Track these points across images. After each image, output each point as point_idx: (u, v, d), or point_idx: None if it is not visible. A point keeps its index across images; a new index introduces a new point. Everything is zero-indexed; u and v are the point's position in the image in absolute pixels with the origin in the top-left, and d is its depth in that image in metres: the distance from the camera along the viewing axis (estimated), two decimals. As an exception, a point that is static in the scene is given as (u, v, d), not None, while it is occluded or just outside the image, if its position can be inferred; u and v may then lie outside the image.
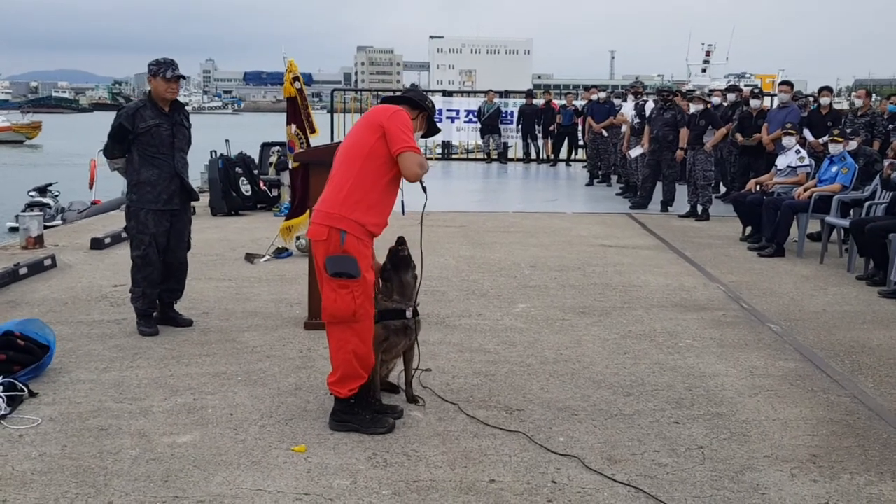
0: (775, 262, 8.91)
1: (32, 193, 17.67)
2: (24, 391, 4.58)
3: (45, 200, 17.41)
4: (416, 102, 4.28)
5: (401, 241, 4.46)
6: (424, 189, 4.14)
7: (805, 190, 9.39)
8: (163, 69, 5.79)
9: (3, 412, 4.32)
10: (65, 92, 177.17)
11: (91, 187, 17.83)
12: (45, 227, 14.26)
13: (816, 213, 9.23)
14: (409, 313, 4.41)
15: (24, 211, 16.90)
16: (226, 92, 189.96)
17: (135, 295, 5.98)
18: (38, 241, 9.30)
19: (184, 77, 6.12)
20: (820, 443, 4.25)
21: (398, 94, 4.40)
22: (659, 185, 12.88)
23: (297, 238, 8.55)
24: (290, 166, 8.54)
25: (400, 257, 4.41)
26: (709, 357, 5.60)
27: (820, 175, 9.52)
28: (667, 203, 12.68)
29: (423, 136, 4.44)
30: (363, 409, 4.21)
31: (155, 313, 6.08)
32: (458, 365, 5.32)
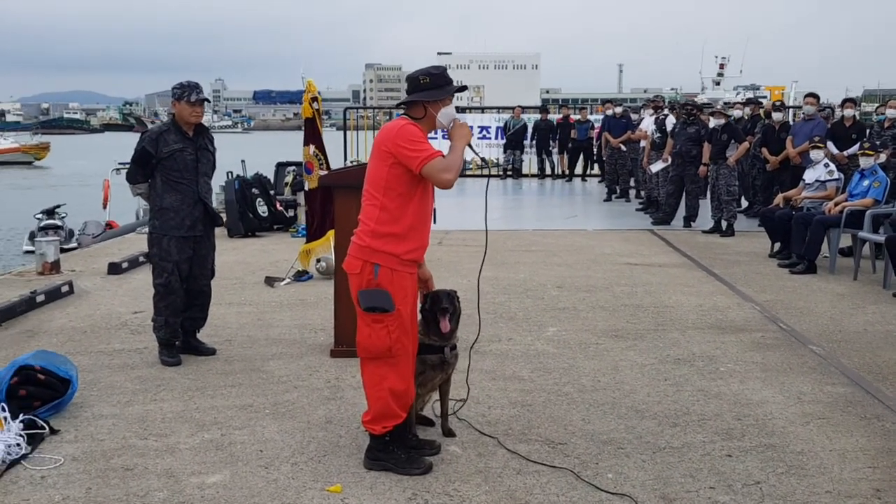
0: (808, 279, 8.68)
1: (39, 216, 17.52)
2: (44, 429, 4.40)
3: (58, 223, 17.28)
4: (417, 97, 3.89)
5: (450, 298, 4.24)
6: (485, 161, 4.00)
7: (836, 204, 9.17)
8: (187, 92, 5.62)
9: (23, 452, 4.13)
10: (76, 113, 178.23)
11: (105, 207, 17.71)
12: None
13: (848, 228, 9.00)
14: (447, 351, 4.22)
15: (39, 233, 16.83)
16: (235, 111, 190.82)
17: (157, 324, 5.80)
18: (55, 267, 9.14)
19: (208, 100, 5.90)
20: (882, 475, 4.02)
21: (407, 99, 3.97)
22: (682, 201, 12.66)
23: (317, 261, 8.38)
24: (306, 187, 8.37)
25: (442, 309, 4.19)
26: (753, 383, 5.38)
27: (851, 189, 9.30)
28: (690, 218, 12.47)
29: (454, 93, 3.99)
30: (399, 447, 4.01)
31: (177, 342, 5.90)
32: (492, 394, 5.11)
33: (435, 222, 4.04)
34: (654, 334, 6.51)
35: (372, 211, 3.84)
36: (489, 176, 4.49)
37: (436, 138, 4.99)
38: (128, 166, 5.90)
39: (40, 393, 4.65)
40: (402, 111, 4.01)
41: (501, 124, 20.88)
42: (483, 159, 4.07)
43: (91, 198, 22.05)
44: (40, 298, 7.52)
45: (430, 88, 3.90)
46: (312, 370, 5.59)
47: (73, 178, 38.34)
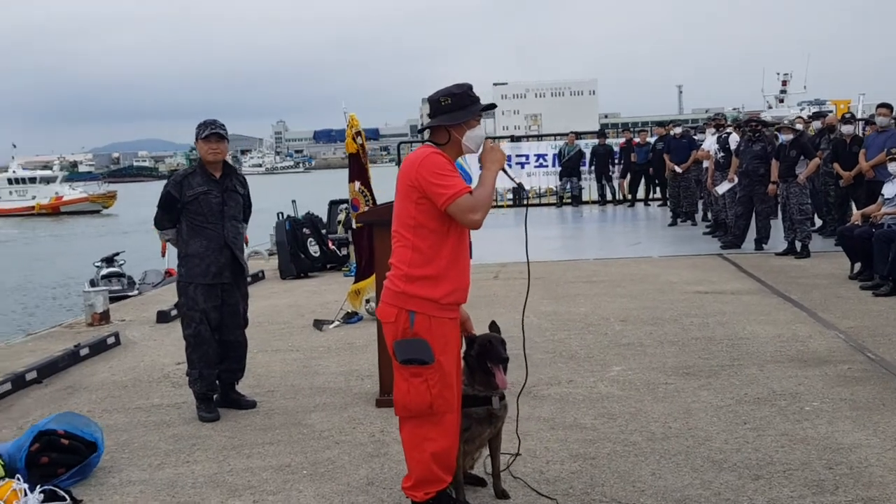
0: (894, 301, 7.99)
1: (98, 264, 17.65)
2: (66, 499, 4.09)
3: (120, 271, 17.37)
4: (439, 120, 3.51)
5: (504, 346, 3.81)
6: (521, 188, 3.56)
7: (921, 219, 8.48)
8: (201, 130, 5.33)
9: (40, 527, 3.82)
10: (145, 161, 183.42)
11: (164, 255, 17.74)
12: (121, 298, 14.20)
13: (937, 245, 8.29)
14: (495, 402, 3.78)
15: (101, 281, 16.92)
16: (297, 151, 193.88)
17: (191, 377, 5.49)
18: (104, 317, 9.00)
19: (222, 136, 5.39)
20: None
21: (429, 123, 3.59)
22: (752, 222, 12.01)
23: (367, 301, 8.03)
24: (353, 226, 8.06)
25: (500, 359, 3.75)
26: (843, 423, 4.80)
27: (937, 202, 8.60)
28: (761, 241, 11.78)
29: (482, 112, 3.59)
30: (444, 514, 3.57)
31: (215, 396, 5.58)
32: (551, 446, 4.64)
33: (471, 257, 3.62)
34: (729, 370, 5.95)
35: (403, 253, 3.45)
36: (527, 206, 4.06)
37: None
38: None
39: (64, 459, 4.37)
40: (426, 138, 3.62)
41: (556, 151, 20.44)
42: (520, 185, 3.64)
43: (154, 245, 22.25)
44: (84, 352, 7.32)
45: (452, 110, 3.49)
46: (356, 423, 5.20)
47: (139, 225, 39.07)
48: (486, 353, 3.74)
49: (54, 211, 57.35)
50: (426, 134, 3.67)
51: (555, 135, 20.89)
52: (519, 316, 7.53)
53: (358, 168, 7.91)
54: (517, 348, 6.71)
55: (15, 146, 64.60)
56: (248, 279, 10.02)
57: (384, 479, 4.27)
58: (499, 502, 3.94)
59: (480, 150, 3.54)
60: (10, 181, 60.57)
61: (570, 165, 19.93)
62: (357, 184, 7.87)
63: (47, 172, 64.31)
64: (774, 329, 7.07)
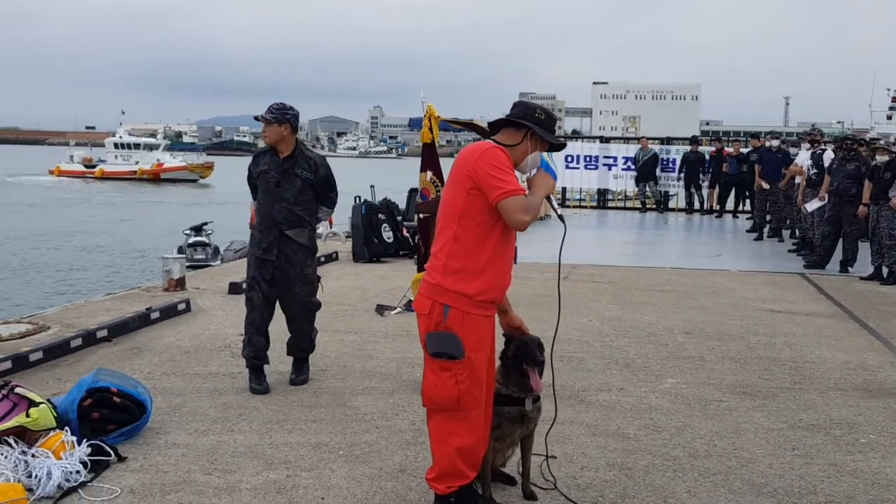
0: (981, 338, 7.60)
1: (188, 232, 18.21)
2: (111, 455, 4.25)
3: (205, 240, 17.90)
4: (517, 122, 3.53)
5: (541, 349, 3.77)
6: (562, 219, 3.53)
7: None
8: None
9: (82, 479, 3.98)
10: (245, 136, 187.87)
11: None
12: (204, 267, 14.63)
13: None
14: (528, 404, 3.76)
15: (188, 249, 17.49)
16: (391, 137, 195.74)
17: (243, 342, 5.71)
18: (180, 284, 9.28)
19: (269, 120, 5.48)
20: None
21: (501, 118, 3.61)
22: (839, 243, 11.58)
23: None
24: (419, 215, 8.09)
25: (535, 362, 3.72)
26: (900, 460, 4.60)
27: None
28: (847, 263, 11.34)
29: (549, 150, 3.65)
30: (465, 510, 3.57)
31: (266, 365, 5.71)
32: (589, 452, 4.59)
33: (515, 262, 3.60)
34: (787, 393, 5.77)
35: (445, 243, 3.46)
36: (565, 226, 3.99)
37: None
38: None
39: (115, 416, 4.53)
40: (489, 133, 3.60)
41: (631, 155, 20.16)
42: (561, 217, 3.57)
43: (244, 216, 22.85)
44: (155, 315, 7.58)
45: (540, 125, 3.51)
46: (399, 409, 5.25)
47: (233, 196, 40.17)
48: (522, 355, 3.72)
49: (154, 177, 59.41)
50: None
51: (638, 138, 20.50)
52: (582, 320, 7.50)
53: (431, 157, 7.93)
54: (573, 351, 6.66)
55: (123, 113, 67.09)
56: (320, 259, 10.29)
57: (416, 468, 4.30)
58: (526, 503, 3.92)
59: (531, 173, 3.53)
60: (116, 146, 63.00)
61: (645, 171, 19.68)
62: (429, 173, 7.88)
63: (151, 140, 66.71)
64: (844, 355, 6.81)
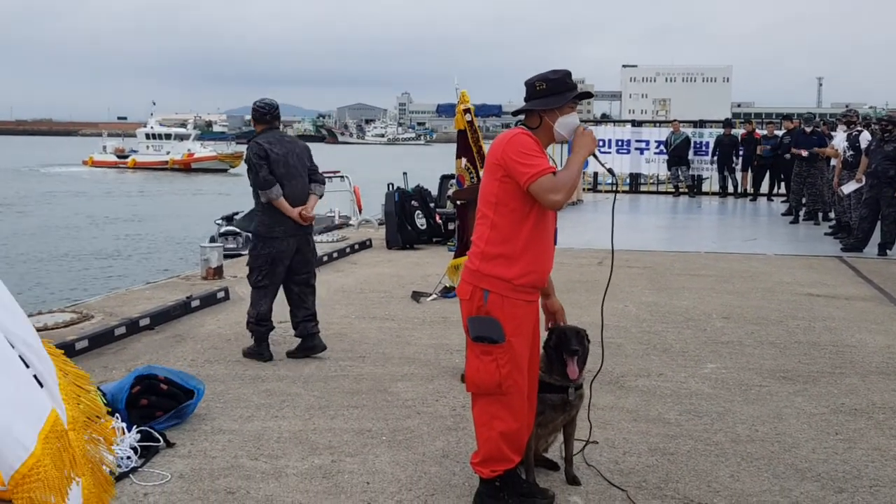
0: None
1: (219, 222, 18.35)
2: (160, 441, 4.33)
3: (237, 229, 18.04)
4: (532, 105, 3.52)
5: (579, 338, 3.79)
6: (612, 172, 3.58)
7: None
8: None
9: (133, 465, 4.07)
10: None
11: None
12: (235, 256, 14.75)
13: None
14: (571, 393, 3.79)
15: (219, 239, 17.64)
16: (419, 124, 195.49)
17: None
18: (218, 272, 9.38)
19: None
20: None
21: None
22: (878, 226, 11.43)
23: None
24: (456, 202, 8.11)
25: (571, 350, 3.75)
26: (946, 444, 4.56)
27: None
28: (885, 246, 11.20)
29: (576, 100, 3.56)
30: (510, 493, 3.60)
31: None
32: (630, 438, 4.60)
33: (555, 243, 3.62)
34: (829, 378, 5.73)
35: (483, 230, 3.50)
36: (615, 192, 3.99)
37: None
38: None
39: (162, 403, 4.62)
40: (520, 120, 3.63)
41: (663, 139, 19.99)
42: (611, 171, 3.59)
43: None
44: (195, 303, 7.69)
45: (546, 95, 3.50)
46: (440, 395, 5.29)
47: (263, 185, 40.35)
48: (561, 345, 3.74)
49: (185, 167, 59.90)
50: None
51: (668, 122, 20.34)
52: (618, 305, 7.51)
53: (465, 144, 7.93)
54: (611, 337, 6.65)
55: (154, 104, 67.67)
56: (354, 247, 10.48)
57: (459, 453, 4.34)
58: (569, 488, 3.95)
59: (571, 138, 3.52)
60: (147, 136, 63.60)
61: (677, 154, 19.53)
62: (464, 160, 7.88)
63: (182, 130, 67.11)
64: (885, 339, 6.75)
